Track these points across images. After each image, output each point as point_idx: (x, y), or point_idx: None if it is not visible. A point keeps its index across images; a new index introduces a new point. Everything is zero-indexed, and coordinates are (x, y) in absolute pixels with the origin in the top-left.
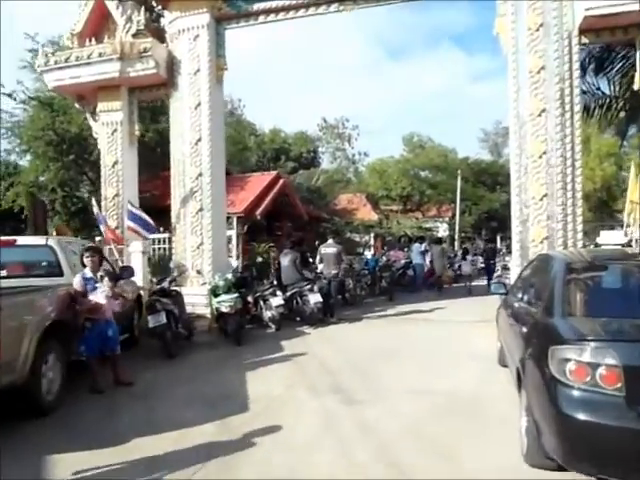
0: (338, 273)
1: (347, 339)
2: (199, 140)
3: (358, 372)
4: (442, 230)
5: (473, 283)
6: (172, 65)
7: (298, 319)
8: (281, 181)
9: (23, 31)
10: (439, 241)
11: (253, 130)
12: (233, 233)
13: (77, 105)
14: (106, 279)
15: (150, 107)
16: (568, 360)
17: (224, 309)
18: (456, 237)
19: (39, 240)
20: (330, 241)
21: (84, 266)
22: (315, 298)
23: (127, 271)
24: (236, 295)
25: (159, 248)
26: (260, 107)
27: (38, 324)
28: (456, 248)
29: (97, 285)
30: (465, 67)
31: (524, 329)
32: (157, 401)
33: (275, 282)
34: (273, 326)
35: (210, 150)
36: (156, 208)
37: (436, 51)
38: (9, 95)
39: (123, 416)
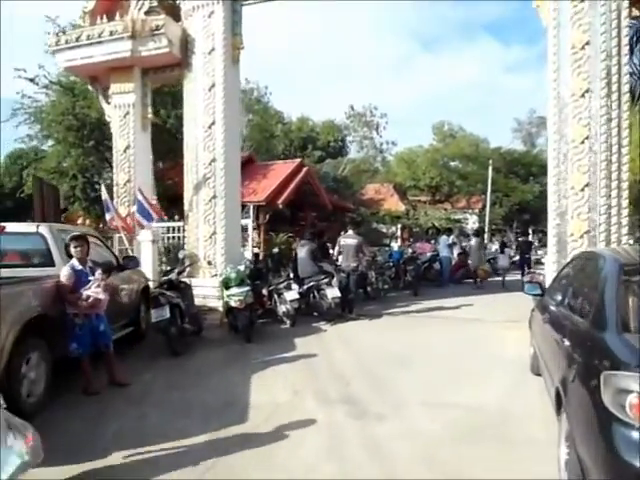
0: (358, 266)
1: (364, 338)
2: (213, 124)
3: (373, 379)
4: (471, 222)
5: (507, 278)
6: (186, 44)
7: (315, 314)
8: (304, 169)
9: (45, 14)
10: (477, 233)
11: (280, 118)
12: (249, 222)
13: (90, 87)
14: (99, 271)
15: (172, 92)
16: (628, 392)
17: (233, 303)
18: (486, 229)
19: (30, 227)
20: (350, 232)
21: (70, 257)
22: (333, 293)
23: (132, 261)
24: (247, 288)
25: (173, 237)
26: (288, 96)
27: (15, 318)
28: (486, 241)
29: (90, 278)
30: (498, 58)
31: (566, 342)
32: (151, 407)
33: (292, 275)
34: (288, 321)
35: (224, 134)
36: (177, 196)
37: (469, 42)
38: (31, 80)
39: (111, 424)
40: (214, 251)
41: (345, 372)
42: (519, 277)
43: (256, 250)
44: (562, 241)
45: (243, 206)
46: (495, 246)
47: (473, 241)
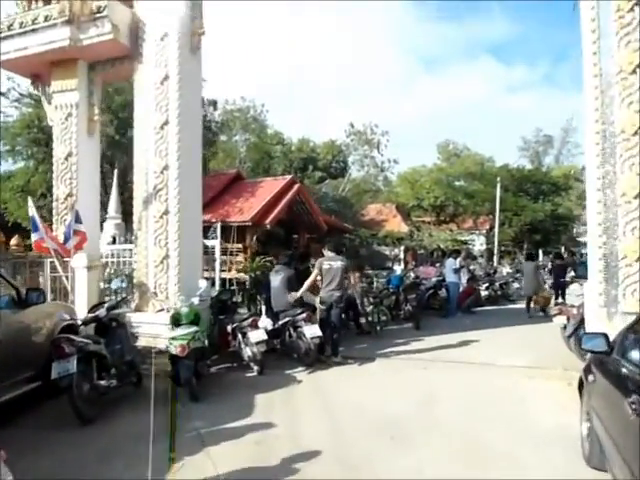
0: (342, 296)
1: (348, 395)
2: (165, 123)
3: (349, 469)
4: (479, 243)
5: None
6: (137, 31)
7: (295, 355)
8: (296, 186)
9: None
10: (532, 256)
11: (280, 139)
12: (216, 244)
13: (32, 87)
14: None
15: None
16: None
17: (173, 349)
18: (495, 251)
19: None
20: (331, 253)
21: None
22: (312, 331)
23: (37, 294)
24: (193, 329)
25: (124, 262)
26: (288, 116)
27: None
28: (495, 263)
29: None
30: (501, 78)
31: None
32: None
33: (264, 308)
34: (255, 367)
35: (179, 136)
36: None
37: (471, 63)
38: (2, 94)
39: None
40: (166, 279)
41: (311, 457)
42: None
43: (233, 275)
44: (610, 266)
45: (209, 226)
46: (506, 269)
47: (527, 266)
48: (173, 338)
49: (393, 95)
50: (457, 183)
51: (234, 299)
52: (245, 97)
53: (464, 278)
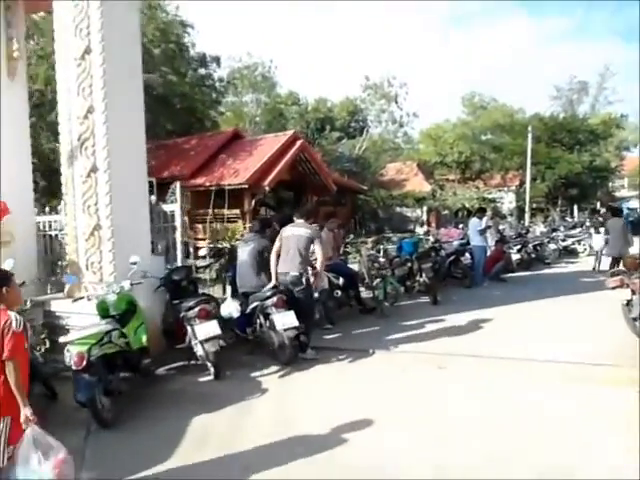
0: (300, 276)
1: (327, 416)
2: (87, 52)
3: None
4: (507, 201)
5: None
6: None
7: (271, 349)
8: (298, 143)
9: None
10: (617, 212)
11: (295, 99)
12: (176, 208)
13: None
14: None
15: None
16: None
17: (67, 359)
18: (526, 209)
19: None
20: (301, 220)
21: None
22: (284, 320)
23: None
24: (100, 330)
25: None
26: (302, 73)
27: None
28: (526, 222)
29: None
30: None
31: None
32: None
33: (230, 288)
34: (211, 369)
35: (104, 67)
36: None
37: (500, 18)
38: None
39: None
40: (99, 256)
41: None
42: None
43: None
44: None
45: (166, 184)
46: (540, 228)
47: (613, 224)
48: (71, 343)
49: (415, 51)
50: (483, 137)
51: (191, 278)
52: (252, 53)
53: (492, 240)
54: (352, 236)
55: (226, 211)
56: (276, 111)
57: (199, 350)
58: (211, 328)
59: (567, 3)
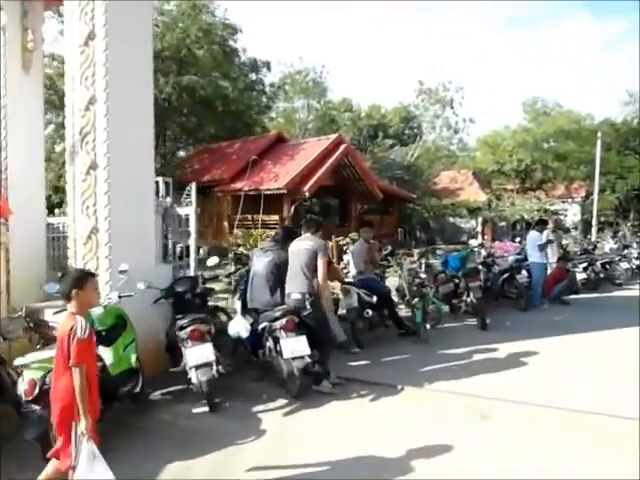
0: (304, 298)
1: (325, 477)
2: (90, 37)
3: None
4: (572, 213)
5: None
6: None
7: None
8: (342, 147)
9: None
10: None
11: (348, 105)
12: (191, 212)
13: None
14: None
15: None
16: None
17: (20, 388)
18: (593, 222)
19: None
20: (308, 234)
21: None
22: (294, 347)
23: None
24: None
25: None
26: (355, 79)
27: None
28: (593, 237)
29: None
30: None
31: None
32: None
33: (240, 304)
34: (204, 401)
35: (106, 53)
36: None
37: (561, 20)
38: None
39: None
40: (96, 262)
41: None
42: None
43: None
44: None
45: (207, 187)
46: (609, 244)
47: None
48: (25, 367)
49: (474, 54)
50: (546, 145)
51: (197, 289)
52: (303, 58)
53: (553, 256)
54: (390, 247)
55: (261, 216)
56: (327, 117)
57: (193, 377)
58: (204, 353)
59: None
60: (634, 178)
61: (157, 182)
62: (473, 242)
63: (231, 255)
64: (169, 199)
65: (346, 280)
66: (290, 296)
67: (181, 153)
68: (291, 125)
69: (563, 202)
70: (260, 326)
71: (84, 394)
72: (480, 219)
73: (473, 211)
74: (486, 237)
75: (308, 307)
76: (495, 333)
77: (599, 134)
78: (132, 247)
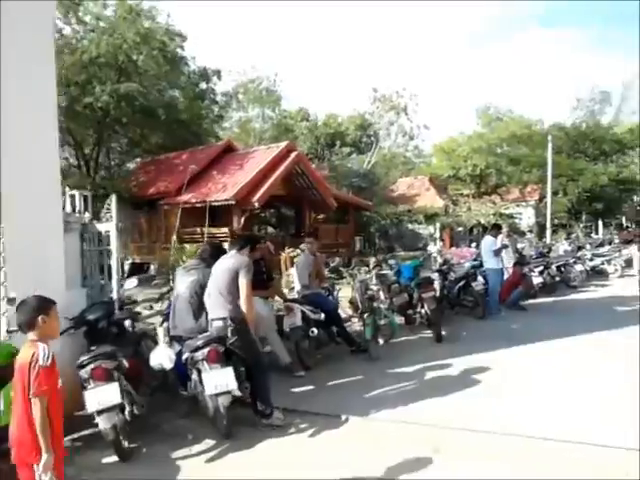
0: (226, 321)
1: None
2: None
3: None
4: (527, 217)
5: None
6: None
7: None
8: (292, 155)
9: None
10: None
11: (305, 114)
12: (112, 228)
13: None
14: None
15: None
16: None
17: None
18: (547, 225)
19: None
20: (233, 251)
21: None
22: (218, 380)
23: None
24: None
25: None
26: (310, 87)
27: None
28: (548, 239)
29: None
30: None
31: None
32: None
33: (165, 332)
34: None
35: None
36: (136, 198)
37: (515, 35)
38: None
39: None
40: None
41: None
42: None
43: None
44: None
45: (153, 201)
46: (564, 246)
47: None
48: None
49: (427, 65)
50: (499, 150)
51: (114, 317)
52: (256, 66)
53: (509, 262)
54: (338, 259)
55: (208, 229)
56: (283, 126)
57: (99, 422)
58: (107, 395)
59: (579, 16)
60: (585, 180)
61: (73, 196)
62: (432, 248)
63: (134, 280)
64: (87, 214)
65: (289, 297)
66: (212, 323)
67: (130, 166)
68: (247, 135)
69: (517, 205)
70: (183, 357)
71: (45, 427)
72: (438, 225)
73: (431, 217)
74: (444, 242)
75: (230, 334)
76: (450, 346)
77: (549, 137)
78: (33, 270)
